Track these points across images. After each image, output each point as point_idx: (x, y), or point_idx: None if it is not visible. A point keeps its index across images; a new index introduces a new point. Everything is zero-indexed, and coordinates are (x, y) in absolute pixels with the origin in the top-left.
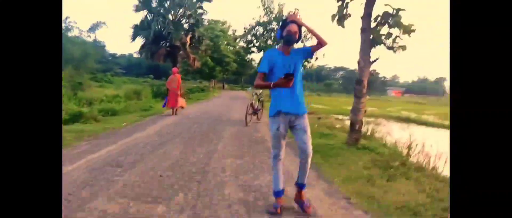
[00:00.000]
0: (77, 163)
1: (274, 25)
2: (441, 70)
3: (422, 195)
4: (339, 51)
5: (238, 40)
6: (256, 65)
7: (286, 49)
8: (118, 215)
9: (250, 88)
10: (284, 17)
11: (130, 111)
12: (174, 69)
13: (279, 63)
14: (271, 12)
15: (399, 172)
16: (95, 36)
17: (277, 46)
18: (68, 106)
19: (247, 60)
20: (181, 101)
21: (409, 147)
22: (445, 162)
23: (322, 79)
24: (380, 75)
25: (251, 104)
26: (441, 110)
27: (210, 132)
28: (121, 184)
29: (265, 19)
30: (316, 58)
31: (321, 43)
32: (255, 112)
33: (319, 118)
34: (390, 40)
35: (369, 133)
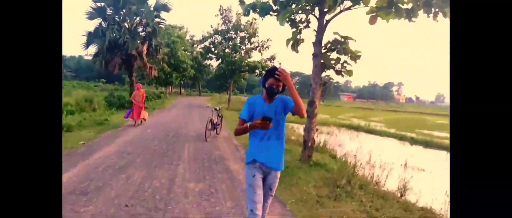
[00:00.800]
0: None
1: (232, 33)
2: (390, 76)
3: (363, 215)
4: (295, 56)
5: (195, 45)
6: (213, 70)
7: (270, 98)
8: None
9: (209, 105)
10: (270, 65)
11: (85, 126)
12: (139, 85)
13: (259, 111)
14: (229, 22)
15: (344, 191)
16: None
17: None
18: None
19: (205, 65)
20: (144, 114)
21: (354, 164)
22: (387, 176)
23: None
24: (333, 81)
25: (211, 119)
26: (388, 115)
27: (169, 150)
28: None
29: (223, 27)
30: (275, 64)
31: (300, 112)
32: (214, 126)
33: None
34: (339, 65)
35: (321, 145)
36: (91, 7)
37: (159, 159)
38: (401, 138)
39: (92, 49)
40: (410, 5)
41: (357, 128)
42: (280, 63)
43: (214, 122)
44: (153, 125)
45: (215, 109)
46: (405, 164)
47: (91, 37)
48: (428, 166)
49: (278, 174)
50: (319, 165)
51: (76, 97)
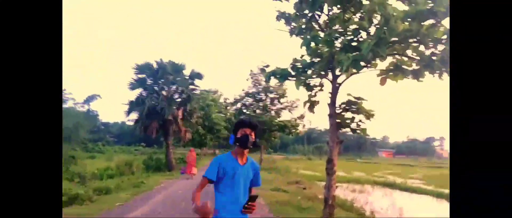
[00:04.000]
0: None
1: (262, 95)
2: (430, 131)
3: None
4: (324, 114)
5: (229, 107)
6: None
7: (242, 155)
8: None
9: None
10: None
11: (123, 188)
12: (192, 149)
13: (230, 173)
14: (259, 84)
15: None
16: (89, 107)
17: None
18: (64, 186)
19: None
20: (194, 170)
21: None
22: None
23: (312, 142)
24: (370, 137)
25: None
26: (429, 172)
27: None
28: None
29: (254, 90)
30: (303, 126)
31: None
32: None
33: (304, 188)
34: (354, 124)
35: (348, 203)
36: (133, 79)
37: None
38: (438, 195)
39: (133, 115)
40: (415, 67)
41: (392, 185)
42: (310, 122)
43: None
44: (185, 186)
45: None
46: None
47: (133, 106)
48: None
49: None
50: None
51: (117, 162)
